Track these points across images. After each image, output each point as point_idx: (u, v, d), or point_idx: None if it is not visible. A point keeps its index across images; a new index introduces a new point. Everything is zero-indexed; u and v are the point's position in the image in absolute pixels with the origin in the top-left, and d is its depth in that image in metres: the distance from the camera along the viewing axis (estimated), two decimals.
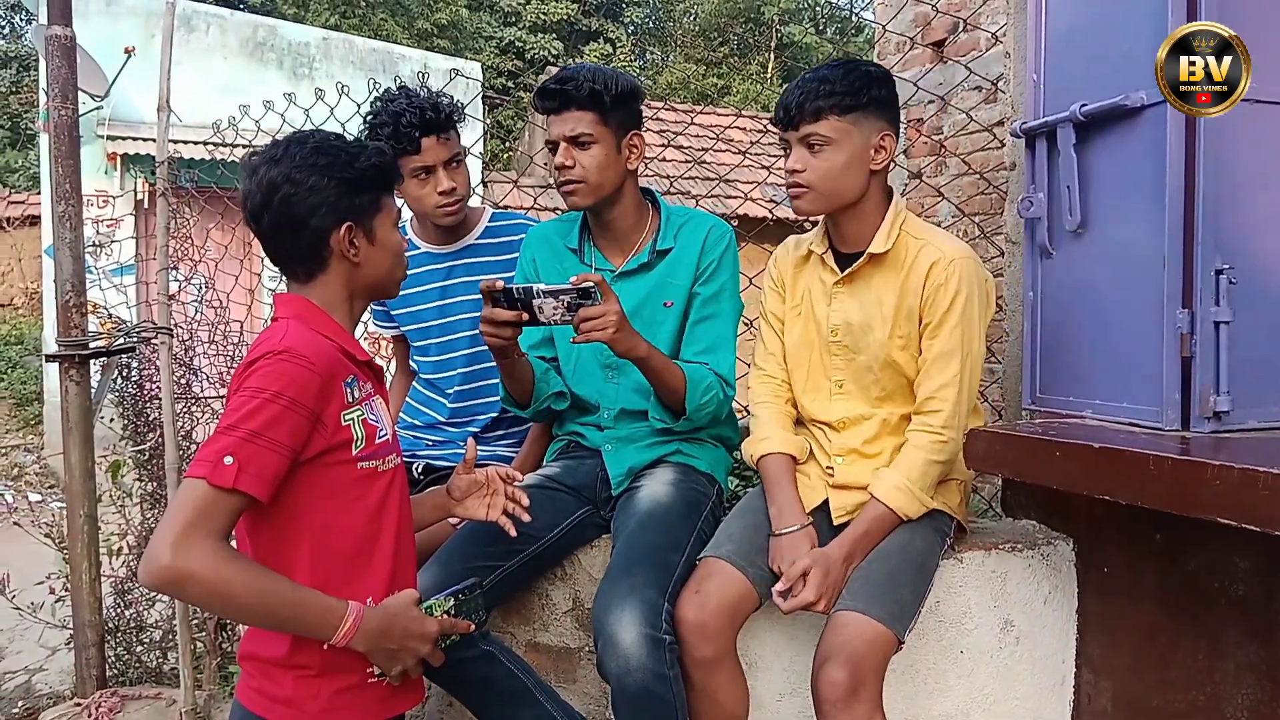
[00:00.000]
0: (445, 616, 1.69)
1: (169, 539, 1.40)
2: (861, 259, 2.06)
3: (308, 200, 1.59)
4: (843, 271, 2.10)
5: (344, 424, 1.58)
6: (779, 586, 1.92)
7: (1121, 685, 2.16)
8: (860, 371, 2.10)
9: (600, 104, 2.15)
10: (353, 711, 1.62)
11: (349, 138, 1.72)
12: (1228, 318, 1.85)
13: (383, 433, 1.66)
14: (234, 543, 1.52)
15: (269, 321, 1.70)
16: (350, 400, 1.60)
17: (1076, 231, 2.08)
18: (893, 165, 2.11)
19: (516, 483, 1.95)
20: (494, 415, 2.55)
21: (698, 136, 9.67)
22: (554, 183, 2.22)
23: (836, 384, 2.13)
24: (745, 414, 2.37)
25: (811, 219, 2.15)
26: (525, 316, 1.95)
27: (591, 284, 1.91)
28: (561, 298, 1.91)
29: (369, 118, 2.38)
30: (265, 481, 1.47)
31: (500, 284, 1.95)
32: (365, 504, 1.62)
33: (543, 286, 1.92)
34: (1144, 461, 1.67)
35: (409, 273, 2.54)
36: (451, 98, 2.42)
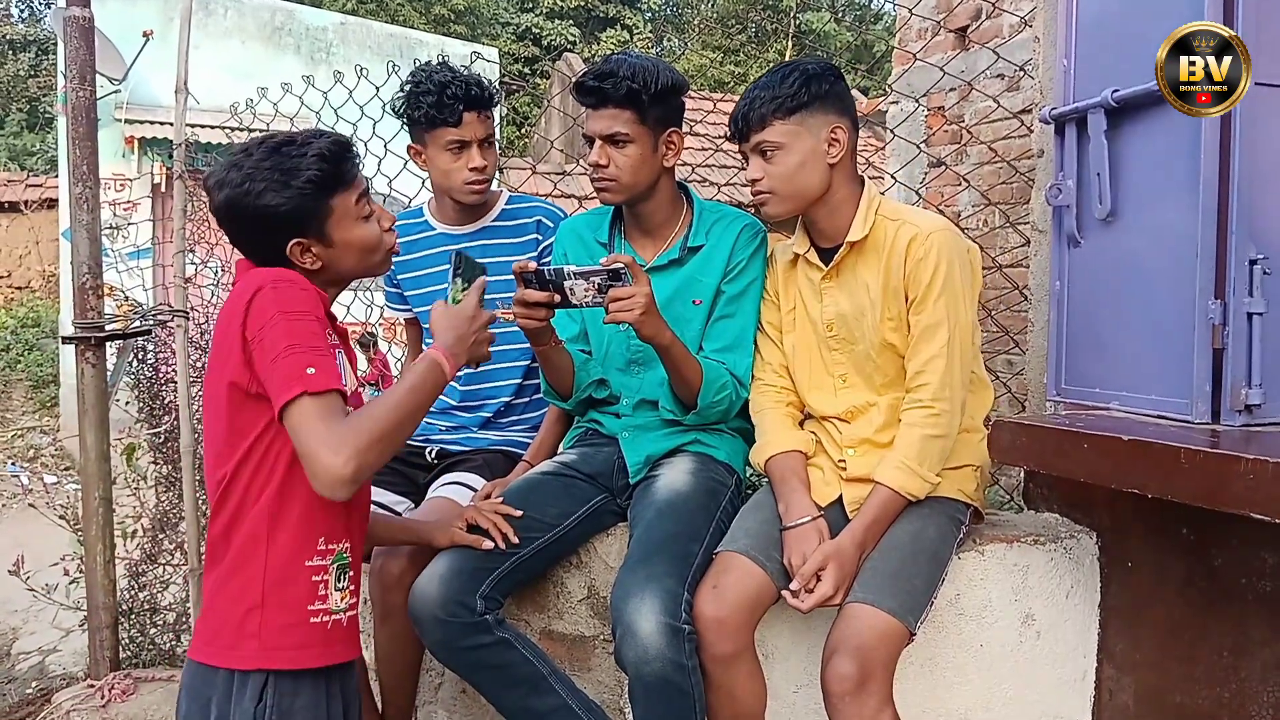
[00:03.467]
0: (467, 288, 1.83)
1: (326, 454, 1.49)
2: (842, 249, 2.07)
3: (253, 222, 1.66)
4: (827, 265, 2.09)
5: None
6: (793, 586, 1.91)
7: (1144, 681, 2.13)
8: (861, 361, 2.09)
9: (638, 102, 2.12)
10: (290, 653, 1.63)
11: (301, 129, 1.77)
12: (1261, 309, 1.81)
13: (346, 383, 1.69)
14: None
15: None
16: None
17: (1106, 220, 2.04)
18: (865, 163, 2.10)
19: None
20: (506, 400, 2.53)
21: (715, 125, 9.62)
22: (589, 177, 2.20)
23: (840, 378, 2.13)
24: None
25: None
26: (557, 298, 1.96)
27: (621, 265, 1.91)
28: (593, 279, 1.93)
29: (408, 85, 2.37)
30: (340, 379, 1.57)
31: (533, 265, 1.95)
32: None
33: (574, 268, 1.93)
34: (1174, 454, 1.64)
35: (425, 253, 2.55)
36: (493, 82, 2.41)
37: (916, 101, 5.04)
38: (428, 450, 2.50)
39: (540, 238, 2.50)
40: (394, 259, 2.56)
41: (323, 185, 1.68)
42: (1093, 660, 2.22)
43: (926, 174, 5.15)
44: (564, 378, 2.22)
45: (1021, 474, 2.51)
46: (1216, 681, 2.00)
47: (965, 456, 2.08)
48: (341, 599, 1.68)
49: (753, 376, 2.24)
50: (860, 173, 2.12)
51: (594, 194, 2.25)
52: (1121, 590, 2.18)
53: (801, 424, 2.20)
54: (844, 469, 2.09)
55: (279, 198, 1.64)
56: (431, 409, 2.54)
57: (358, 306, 4.20)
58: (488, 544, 1.99)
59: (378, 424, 1.55)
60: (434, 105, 2.33)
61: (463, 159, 2.37)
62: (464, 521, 2.04)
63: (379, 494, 2.35)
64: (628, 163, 2.15)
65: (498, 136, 2.54)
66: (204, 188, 1.70)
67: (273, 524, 1.62)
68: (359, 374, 1.82)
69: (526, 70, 19.93)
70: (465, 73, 2.37)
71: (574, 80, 2.19)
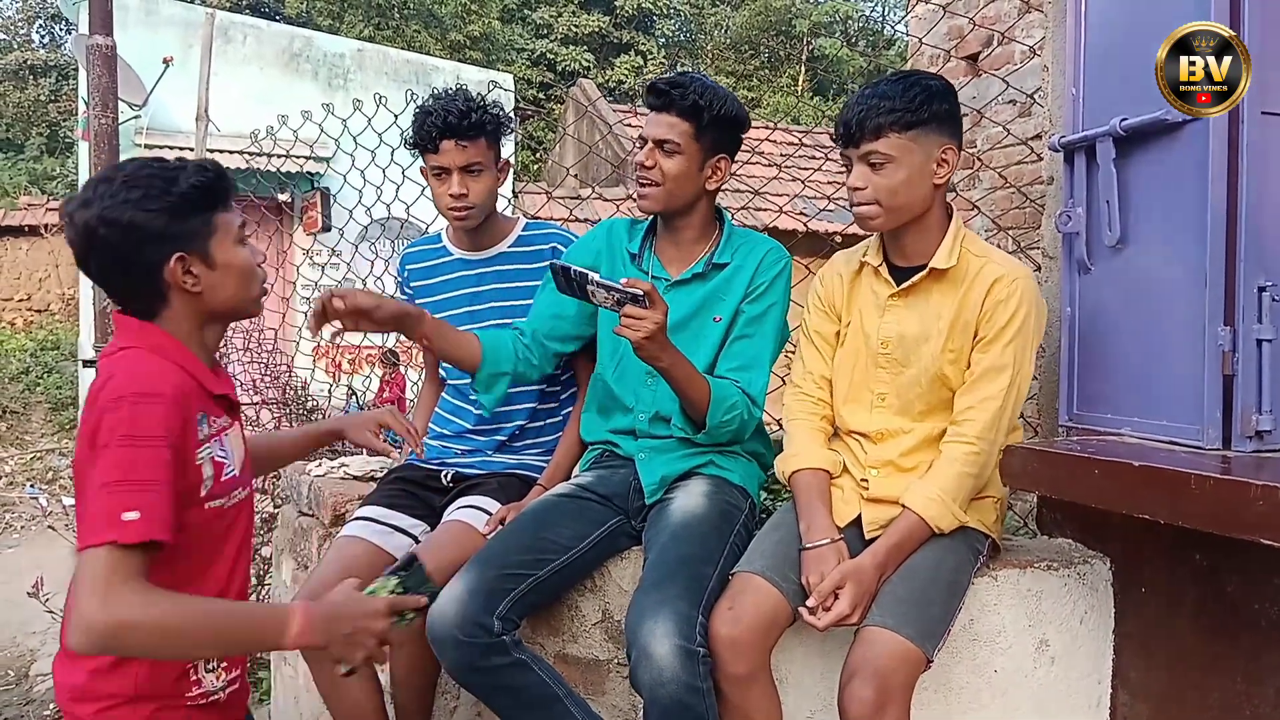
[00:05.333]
0: (393, 595, 1.65)
1: (93, 602, 1.36)
2: (923, 273, 2.04)
3: (127, 239, 1.51)
4: (898, 284, 2.08)
5: (197, 463, 1.55)
6: (809, 603, 1.90)
7: (1159, 707, 2.13)
8: (906, 386, 2.08)
9: (698, 118, 2.18)
10: None
11: (171, 160, 1.62)
12: (1270, 335, 1.82)
13: (229, 469, 1.62)
14: None
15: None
16: (201, 437, 1.57)
17: (1116, 247, 2.06)
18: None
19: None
20: (521, 423, 2.55)
21: (740, 146, 9.65)
22: (634, 177, 2.25)
23: (879, 396, 2.11)
24: (778, 427, 2.36)
25: (848, 232, 2.15)
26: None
27: (641, 292, 1.95)
28: (613, 293, 1.97)
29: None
30: (168, 524, 1.44)
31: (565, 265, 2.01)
32: (208, 541, 1.60)
33: (597, 277, 1.97)
34: (1185, 480, 1.65)
35: (442, 279, 2.58)
36: (495, 111, 2.43)
37: None
38: (443, 474, 2.52)
39: None
40: (412, 284, 2.63)
41: (206, 194, 1.57)
42: (1107, 686, 2.21)
43: None
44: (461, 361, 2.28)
45: (1034, 499, 2.52)
46: (1230, 708, 2.00)
47: (987, 488, 2.08)
48: (217, 679, 1.62)
49: (790, 380, 2.25)
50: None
51: (609, 217, 2.29)
52: (1136, 616, 2.18)
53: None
54: (865, 488, 2.09)
55: (161, 203, 1.51)
56: (447, 433, 2.59)
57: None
58: (395, 453, 2.00)
59: (171, 616, 1.41)
60: (416, 131, 2.42)
61: (444, 185, 2.42)
62: (377, 426, 2.02)
63: (396, 517, 2.37)
64: (672, 171, 2.20)
65: (510, 163, 2.57)
66: (62, 217, 1.54)
67: None
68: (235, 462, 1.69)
69: (541, 95, 20.07)
70: (461, 101, 2.40)
71: (648, 81, 2.26)
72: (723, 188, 2.29)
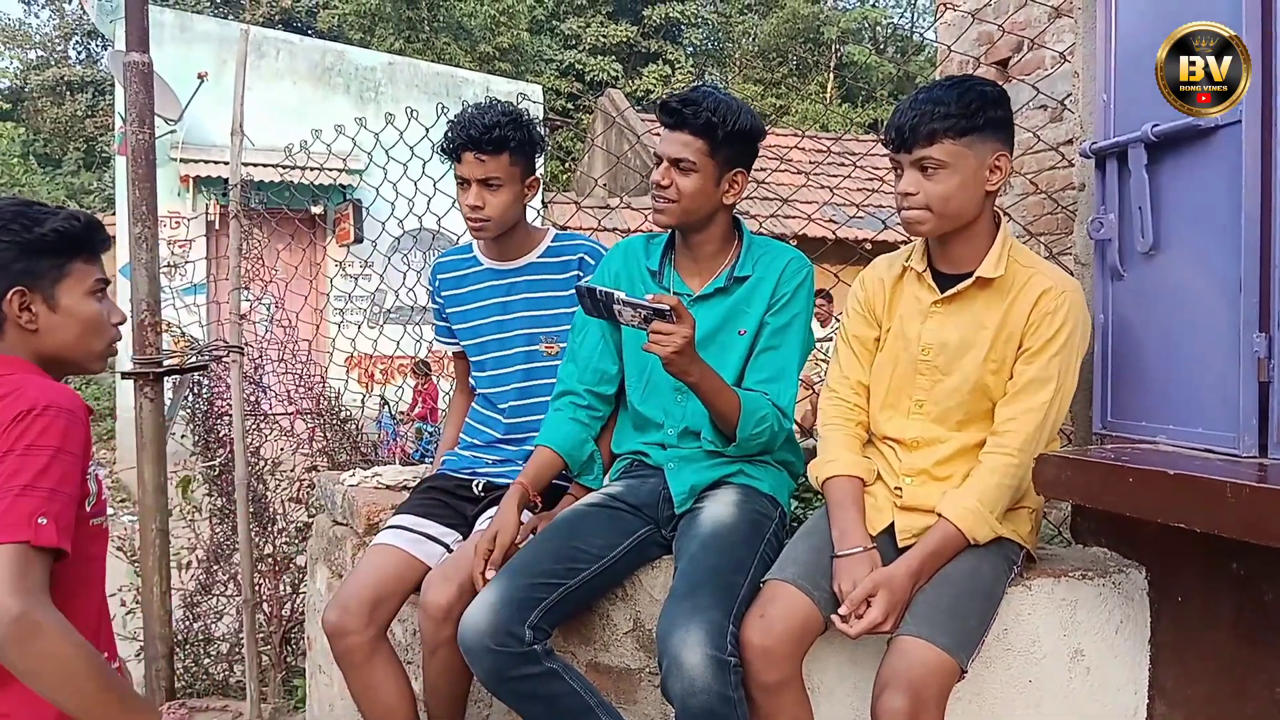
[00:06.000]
0: None
1: (8, 590, 1.34)
2: (969, 281, 2.02)
3: None
4: (942, 291, 2.06)
5: (85, 478, 1.56)
6: (842, 610, 1.90)
7: (1195, 717, 2.10)
8: (945, 394, 2.06)
9: (712, 135, 2.17)
10: None
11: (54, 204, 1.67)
12: None
13: (104, 491, 1.65)
14: None
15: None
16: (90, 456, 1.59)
17: (1149, 253, 2.04)
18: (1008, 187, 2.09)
19: None
20: None
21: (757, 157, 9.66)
22: (650, 194, 2.26)
23: (916, 403, 2.10)
24: (804, 436, 2.35)
25: (877, 240, 2.15)
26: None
27: (666, 307, 1.95)
28: (639, 310, 1.98)
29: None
30: (70, 536, 1.46)
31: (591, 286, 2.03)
32: (93, 561, 1.61)
33: (623, 296, 1.98)
34: (1221, 489, 1.63)
35: (471, 288, 2.61)
36: (524, 128, 2.45)
37: None
38: (475, 483, 2.53)
39: (582, 274, 2.54)
40: (443, 293, 2.65)
41: (67, 240, 1.62)
42: (1144, 696, 2.19)
43: None
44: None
45: (1069, 508, 2.50)
46: (1269, 718, 1.97)
47: (1023, 499, 2.06)
48: None
49: (826, 385, 2.24)
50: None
51: (637, 228, 2.30)
52: (1172, 625, 2.15)
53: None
54: (899, 496, 2.08)
55: (16, 238, 1.58)
56: (477, 443, 2.61)
57: (407, 341, 4.27)
58: None
59: (81, 650, 1.40)
60: (444, 140, 2.46)
61: (465, 195, 2.45)
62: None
63: (429, 525, 2.39)
64: (689, 189, 2.19)
65: (539, 179, 2.58)
66: None
67: None
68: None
69: (570, 106, 20.15)
70: (489, 115, 2.41)
71: (659, 99, 2.25)
72: (751, 196, 2.29)
